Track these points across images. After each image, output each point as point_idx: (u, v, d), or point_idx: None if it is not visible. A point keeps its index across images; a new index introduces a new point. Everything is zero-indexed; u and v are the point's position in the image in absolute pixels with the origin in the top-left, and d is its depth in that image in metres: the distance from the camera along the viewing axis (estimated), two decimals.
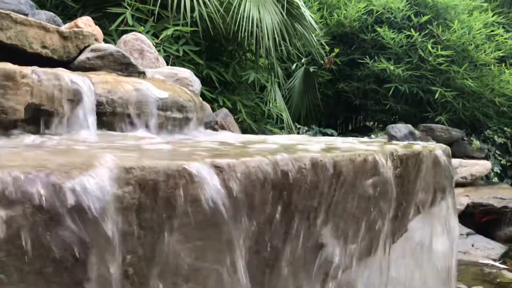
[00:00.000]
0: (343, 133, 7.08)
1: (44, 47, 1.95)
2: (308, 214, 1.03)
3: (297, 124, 6.09)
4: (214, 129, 2.85)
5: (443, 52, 5.85)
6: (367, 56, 6.25)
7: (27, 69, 1.20)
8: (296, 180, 0.94)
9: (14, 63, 1.77)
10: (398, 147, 1.43)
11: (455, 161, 4.81)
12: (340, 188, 1.09)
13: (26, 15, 2.23)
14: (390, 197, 1.36)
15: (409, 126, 5.23)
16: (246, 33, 3.81)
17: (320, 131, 6.26)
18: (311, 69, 6.54)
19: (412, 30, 6.06)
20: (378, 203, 1.29)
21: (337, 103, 7.02)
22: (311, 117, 6.67)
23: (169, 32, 3.30)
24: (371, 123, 7.28)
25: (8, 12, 1.80)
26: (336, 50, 6.32)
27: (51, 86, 1.23)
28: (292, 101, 6.46)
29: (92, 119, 1.32)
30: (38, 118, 1.23)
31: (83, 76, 1.38)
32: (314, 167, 0.98)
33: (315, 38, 4.87)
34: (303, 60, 6.44)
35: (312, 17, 4.74)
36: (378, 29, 6.17)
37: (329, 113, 7.09)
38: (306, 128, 6.19)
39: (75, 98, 1.30)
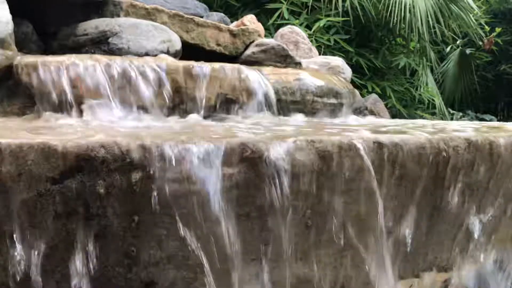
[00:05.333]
0: (505, 119, 6.50)
1: (218, 44, 2.27)
2: (463, 191, 1.12)
3: (450, 110, 5.80)
4: (364, 115, 2.95)
5: None
6: None
7: (216, 65, 1.48)
8: (450, 157, 1.04)
9: (194, 58, 2.12)
10: None
11: None
12: (496, 168, 1.15)
13: (202, 16, 2.60)
14: None
15: None
16: (397, 19, 3.80)
17: (477, 117, 5.86)
18: (468, 51, 6.14)
19: None
20: None
21: (497, 87, 6.48)
22: (466, 102, 6.27)
23: (321, 23, 3.48)
24: None
25: (192, 17, 2.16)
26: (498, 30, 5.82)
27: (234, 78, 1.51)
28: (445, 85, 6.15)
29: (264, 106, 1.57)
30: (223, 104, 1.52)
31: (256, 70, 1.64)
32: (469, 146, 1.07)
33: (473, 18, 4.59)
34: (458, 42, 6.07)
35: None
36: None
37: (488, 98, 6.58)
38: (460, 113, 5.86)
39: (252, 89, 1.56)
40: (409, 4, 3.94)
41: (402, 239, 1.09)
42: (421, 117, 4.56)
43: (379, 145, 0.92)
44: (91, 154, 0.71)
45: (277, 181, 0.83)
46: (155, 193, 0.75)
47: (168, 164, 0.75)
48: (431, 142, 1.00)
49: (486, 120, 5.87)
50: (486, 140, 1.09)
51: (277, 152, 0.81)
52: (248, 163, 0.82)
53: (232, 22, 2.96)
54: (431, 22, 4.09)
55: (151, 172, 0.74)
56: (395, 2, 3.83)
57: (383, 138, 0.92)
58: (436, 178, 1.06)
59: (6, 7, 1.37)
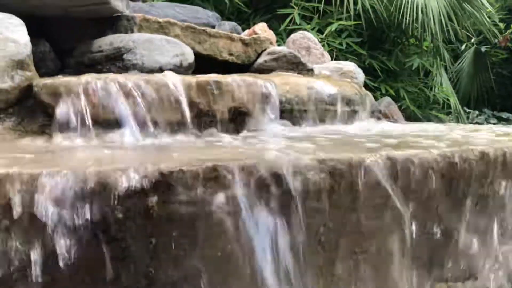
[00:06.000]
0: None
1: (230, 54, 2.30)
2: (476, 202, 1.13)
3: (466, 109, 5.74)
4: (378, 118, 2.95)
5: None
6: None
7: (228, 79, 1.50)
8: (463, 170, 1.04)
9: (207, 69, 2.15)
10: None
11: None
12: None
13: (214, 26, 2.63)
14: None
15: None
16: (410, 19, 3.80)
17: (494, 115, 5.79)
18: (483, 49, 6.07)
19: None
20: None
21: None
22: (482, 100, 6.20)
23: (333, 27, 3.48)
24: None
25: (204, 28, 2.19)
26: None
27: (246, 91, 1.53)
28: (461, 84, 6.09)
29: (277, 117, 1.59)
30: (236, 117, 1.54)
31: (269, 81, 1.65)
32: (482, 158, 1.07)
33: (486, 17, 4.54)
34: (473, 40, 6.01)
35: None
36: None
37: (505, 95, 6.48)
38: (476, 112, 5.79)
39: (264, 100, 1.57)
40: (421, 4, 3.92)
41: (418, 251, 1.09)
42: (436, 117, 4.53)
43: (390, 161, 0.93)
44: (109, 180, 0.73)
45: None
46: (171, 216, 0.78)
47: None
48: (443, 156, 1.00)
49: (503, 118, 5.79)
50: (500, 151, 1.09)
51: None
52: None
53: (243, 28, 2.98)
54: (444, 21, 4.07)
55: (166, 195, 0.77)
56: (407, 3, 3.82)
57: (393, 154, 0.94)
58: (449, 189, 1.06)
59: (24, 29, 1.42)
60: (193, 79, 1.45)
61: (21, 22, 1.43)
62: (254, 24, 3.72)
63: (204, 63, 2.11)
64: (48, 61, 1.70)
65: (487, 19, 4.64)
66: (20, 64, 1.35)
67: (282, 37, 3.58)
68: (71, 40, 1.85)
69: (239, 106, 1.51)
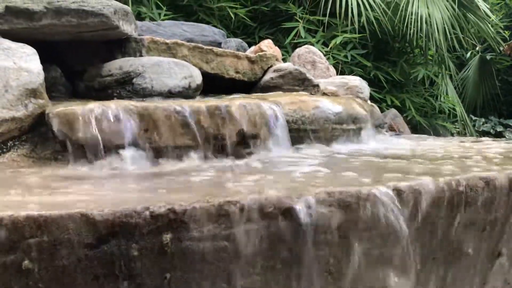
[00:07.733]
0: None
1: (237, 72, 2.33)
2: (483, 227, 1.14)
3: (472, 116, 5.74)
4: (384, 132, 2.96)
5: None
6: None
7: (236, 103, 1.53)
8: (469, 197, 1.06)
9: (214, 86, 2.18)
10: None
11: None
12: None
13: (220, 43, 2.66)
14: None
15: None
16: (414, 30, 3.82)
17: (500, 123, 5.78)
18: (488, 56, 6.07)
19: None
20: None
21: None
22: (488, 107, 6.20)
23: (338, 40, 3.51)
24: None
25: (210, 47, 2.22)
26: None
27: (254, 114, 1.55)
28: (466, 92, 6.09)
29: (284, 138, 1.61)
30: (244, 140, 1.56)
31: (275, 102, 1.68)
32: (488, 185, 1.09)
33: (490, 26, 4.56)
34: (477, 48, 6.02)
35: (486, 6, 4.46)
36: None
37: (511, 102, 6.48)
38: (483, 119, 5.79)
39: (271, 122, 1.60)
40: (425, 15, 3.95)
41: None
42: (443, 127, 4.53)
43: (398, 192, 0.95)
44: (125, 220, 0.76)
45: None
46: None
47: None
48: (449, 184, 1.02)
49: (510, 125, 5.78)
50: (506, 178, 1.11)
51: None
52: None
53: (248, 42, 3.01)
54: (447, 30, 4.09)
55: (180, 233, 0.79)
56: (411, 14, 3.85)
57: (401, 185, 0.96)
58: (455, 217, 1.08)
59: (37, 58, 1.45)
60: (202, 104, 1.47)
61: (34, 51, 1.47)
62: (259, 37, 3.76)
63: (211, 81, 2.14)
64: (59, 86, 1.74)
65: (491, 28, 4.65)
66: (33, 93, 1.38)
67: (287, 50, 3.61)
68: (82, 62, 1.89)
69: (247, 129, 1.53)
